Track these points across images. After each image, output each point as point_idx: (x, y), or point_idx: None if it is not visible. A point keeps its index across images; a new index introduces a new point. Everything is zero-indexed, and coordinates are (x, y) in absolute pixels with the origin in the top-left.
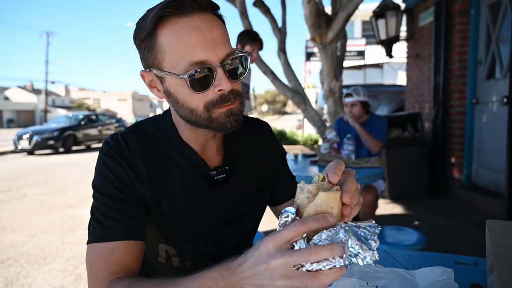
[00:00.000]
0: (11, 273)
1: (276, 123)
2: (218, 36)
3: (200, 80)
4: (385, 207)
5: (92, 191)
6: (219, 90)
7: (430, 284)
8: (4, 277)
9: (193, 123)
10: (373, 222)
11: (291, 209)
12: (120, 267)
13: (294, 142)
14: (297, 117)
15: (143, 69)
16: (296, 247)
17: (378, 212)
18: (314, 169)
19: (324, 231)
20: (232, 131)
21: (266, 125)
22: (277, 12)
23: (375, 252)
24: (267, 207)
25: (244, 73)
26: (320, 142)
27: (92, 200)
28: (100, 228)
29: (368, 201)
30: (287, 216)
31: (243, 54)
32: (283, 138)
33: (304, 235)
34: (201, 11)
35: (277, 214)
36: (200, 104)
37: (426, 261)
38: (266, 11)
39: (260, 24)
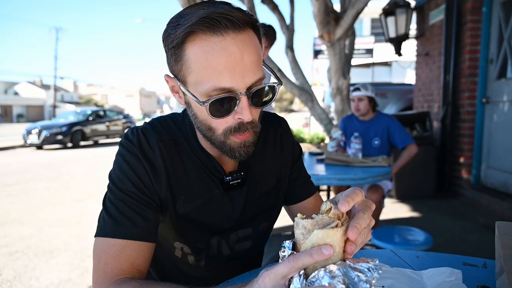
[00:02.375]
0: (19, 265)
1: None
2: (250, 61)
3: (221, 106)
4: (392, 207)
5: (107, 182)
6: (239, 118)
7: (438, 285)
8: (13, 269)
9: (208, 138)
10: (377, 261)
11: (288, 244)
12: (129, 266)
13: (300, 140)
14: (304, 115)
15: (168, 74)
16: (292, 286)
17: (385, 211)
18: (321, 168)
19: (322, 268)
20: (239, 160)
21: (283, 121)
22: (285, 9)
23: None
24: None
25: (269, 102)
26: (327, 140)
27: (106, 191)
28: (113, 223)
29: (373, 201)
30: (284, 251)
31: (273, 84)
32: None
33: (302, 271)
34: (235, 30)
35: (291, 215)
36: (219, 127)
37: (433, 261)
38: (274, 8)
39: (268, 21)
